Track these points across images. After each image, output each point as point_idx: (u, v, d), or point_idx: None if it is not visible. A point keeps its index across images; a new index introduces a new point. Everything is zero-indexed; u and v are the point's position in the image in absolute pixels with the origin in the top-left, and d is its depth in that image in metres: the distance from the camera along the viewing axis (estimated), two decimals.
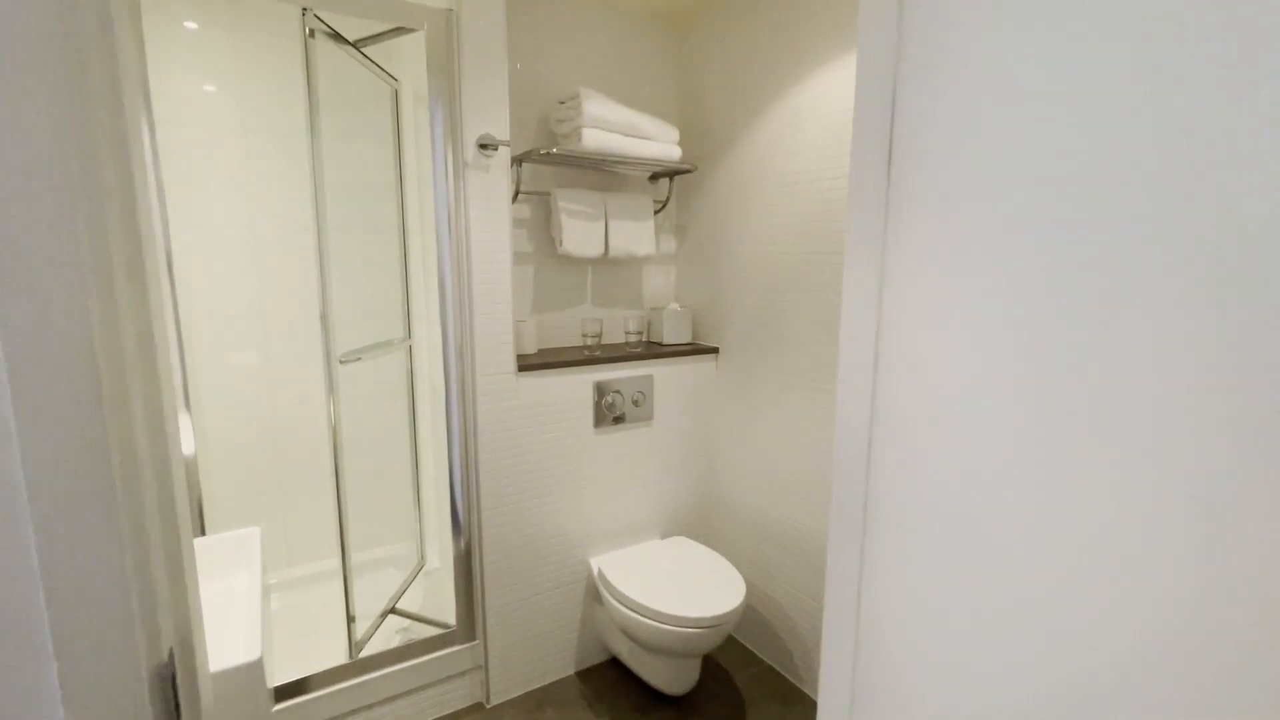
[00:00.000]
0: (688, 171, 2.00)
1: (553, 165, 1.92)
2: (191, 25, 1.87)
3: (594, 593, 1.91)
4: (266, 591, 2.01)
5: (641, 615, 1.63)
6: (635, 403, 1.92)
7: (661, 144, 1.86)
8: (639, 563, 1.86)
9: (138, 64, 1.19)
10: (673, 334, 2.09)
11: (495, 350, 1.64)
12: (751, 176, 1.86)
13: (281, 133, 2.00)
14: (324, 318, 1.49)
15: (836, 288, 1.63)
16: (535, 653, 1.86)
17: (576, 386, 1.80)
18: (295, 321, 2.06)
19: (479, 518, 1.72)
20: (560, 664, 1.92)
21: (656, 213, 2.08)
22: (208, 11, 1.87)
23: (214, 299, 1.95)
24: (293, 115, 1.98)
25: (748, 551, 2.04)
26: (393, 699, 1.67)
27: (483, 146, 1.53)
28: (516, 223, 1.89)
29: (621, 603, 1.69)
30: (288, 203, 2.02)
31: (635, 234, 1.97)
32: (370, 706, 1.64)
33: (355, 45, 1.61)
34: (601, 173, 2.02)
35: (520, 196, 1.84)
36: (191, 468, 1.40)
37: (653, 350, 1.98)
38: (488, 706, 1.80)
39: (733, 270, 1.98)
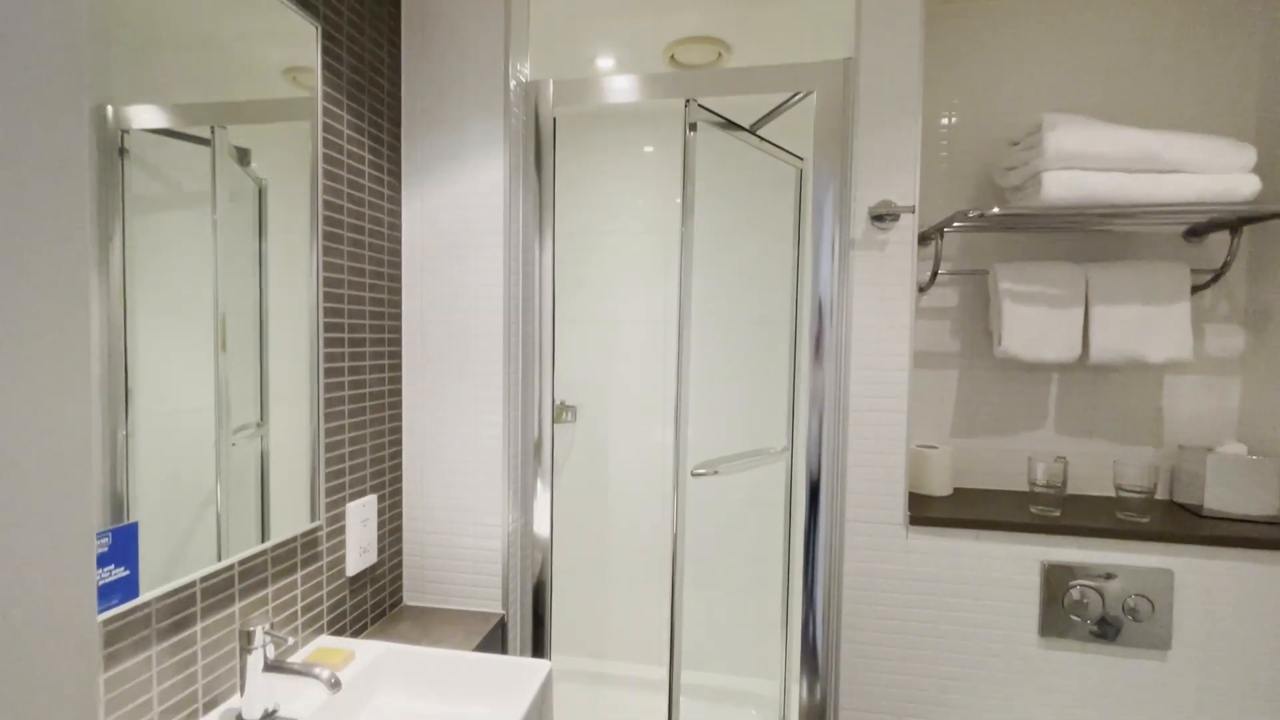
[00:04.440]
0: (1276, 216, 1.12)
1: (1001, 231, 1.36)
2: (649, 149, 2.13)
3: None
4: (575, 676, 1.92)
5: None
6: (1132, 612, 1.11)
7: (1210, 176, 1.09)
8: None
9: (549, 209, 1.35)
10: (1229, 499, 1.17)
11: (874, 487, 1.18)
12: None
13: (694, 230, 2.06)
14: (678, 418, 1.34)
15: None
16: None
17: (1010, 564, 1.15)
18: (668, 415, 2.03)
19: None
20: None
21: (1199, 289, 1.24)
22: (657, 132, 2.09)
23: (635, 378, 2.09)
24: (701, 211, 2.02)
25: None
26: None
27: (877, 218, 1.15)
28: (937, 312, 1.40)
29: None
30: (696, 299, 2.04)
31: (1147, 325, 1.20)
32: None
33: (751, 130, 1.48)
34: (1085, 234, 1.33)
35: (942, 277, 1.35)
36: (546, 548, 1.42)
37: (1178, 524, 1.13)
38: None
39: None
